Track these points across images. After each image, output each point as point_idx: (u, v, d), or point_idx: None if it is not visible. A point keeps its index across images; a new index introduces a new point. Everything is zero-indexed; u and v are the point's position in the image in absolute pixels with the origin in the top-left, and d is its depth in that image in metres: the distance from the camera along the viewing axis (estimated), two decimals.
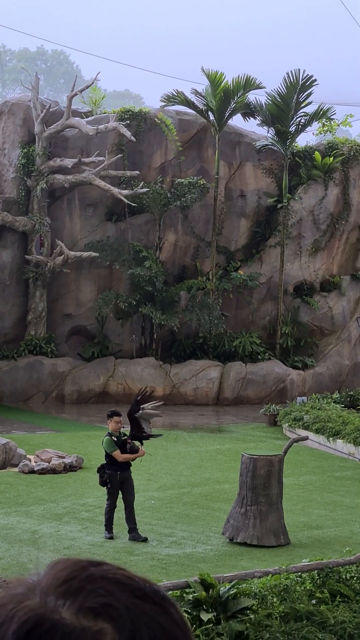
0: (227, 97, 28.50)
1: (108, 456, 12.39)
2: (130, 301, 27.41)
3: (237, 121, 30.56)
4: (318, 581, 8.62)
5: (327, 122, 31.10)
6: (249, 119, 30.17)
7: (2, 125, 28.31)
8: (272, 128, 29.52)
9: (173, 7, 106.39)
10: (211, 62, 33.68)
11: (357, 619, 7.90)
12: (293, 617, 7.80)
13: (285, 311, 29.87)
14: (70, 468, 16.80)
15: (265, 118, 29.47)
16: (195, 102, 28.91)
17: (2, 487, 15.31)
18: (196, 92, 28.90)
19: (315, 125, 31.17)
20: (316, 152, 30.38)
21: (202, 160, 29.62)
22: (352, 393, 25.09)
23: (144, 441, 12.63)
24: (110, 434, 12.47)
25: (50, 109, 27.43)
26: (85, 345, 28.64)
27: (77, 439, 20.40)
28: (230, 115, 29.14)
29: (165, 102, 28.99)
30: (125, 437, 12.46)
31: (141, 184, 27.13)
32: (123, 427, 12.75)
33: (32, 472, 16.45)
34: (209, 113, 28.99)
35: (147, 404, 12.61)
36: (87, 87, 28.50)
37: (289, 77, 28.69)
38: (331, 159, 30.15)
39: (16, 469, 16.64)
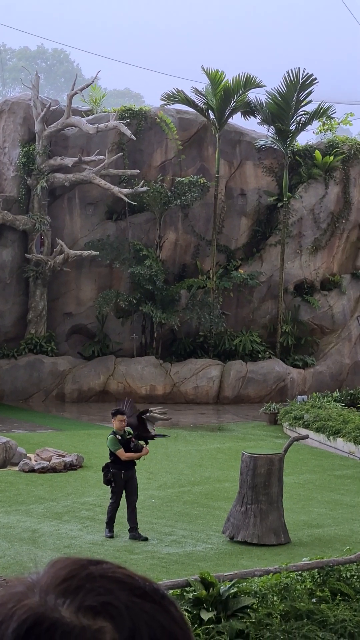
0: (227, 95, 28.50)
1: (112, 455, 12.38)
2: (131, 300, 27.40)
3: (237, 120, 30.60)
4: (318, 580, 8.62)
5: (327, 120, 31.08)
6: (249, 117, 30.17)
7: (3, 124, 28.30)
8: (273, 127, 29.52)
9: (173, 5, 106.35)
10: (211, 61, 33.74)
11: (358, 617, 7.90)
12: (293, 616, 7.80)
13: (285, 310, 29.88)
14: (70, 467, 16.80)
15: (265, 117, 29.47)
16: (195, 100, 28.91)
17: (2, 485, 15.31)
18: (196, 91, 28.90)
19: (316, 123, 31.18)
20: (316, 151, 30.38)
21: (202, 159, 29.61)
22: (352, 392, 25.10)
23: (149, 441, 12.68)
24: (114, 433, 12.45)
25: (51, 108, 27.43)
26: (85, 344, 28.64)
27: (77, 438, 20.40)
28: (231, 114, 29.14)
29: (165, 100, 28.99)
30: (130, 435, 12.45)
31: (141, 183, 27.12)
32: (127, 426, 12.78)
33: (32, 470, 16.45)
34: (209, 112, 28.99)
35: (154, 408, 12.70)
36: (88, 85, 28.49)
37: (289, 75, 28.69)
38: (331, 157, 30.15)
39: (16, 468, 16.64)
